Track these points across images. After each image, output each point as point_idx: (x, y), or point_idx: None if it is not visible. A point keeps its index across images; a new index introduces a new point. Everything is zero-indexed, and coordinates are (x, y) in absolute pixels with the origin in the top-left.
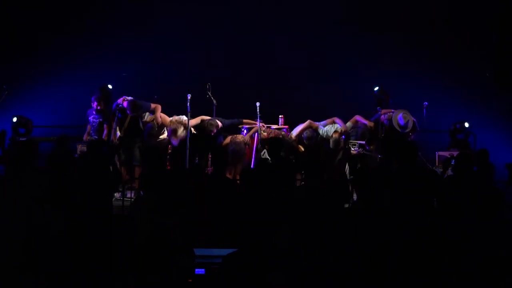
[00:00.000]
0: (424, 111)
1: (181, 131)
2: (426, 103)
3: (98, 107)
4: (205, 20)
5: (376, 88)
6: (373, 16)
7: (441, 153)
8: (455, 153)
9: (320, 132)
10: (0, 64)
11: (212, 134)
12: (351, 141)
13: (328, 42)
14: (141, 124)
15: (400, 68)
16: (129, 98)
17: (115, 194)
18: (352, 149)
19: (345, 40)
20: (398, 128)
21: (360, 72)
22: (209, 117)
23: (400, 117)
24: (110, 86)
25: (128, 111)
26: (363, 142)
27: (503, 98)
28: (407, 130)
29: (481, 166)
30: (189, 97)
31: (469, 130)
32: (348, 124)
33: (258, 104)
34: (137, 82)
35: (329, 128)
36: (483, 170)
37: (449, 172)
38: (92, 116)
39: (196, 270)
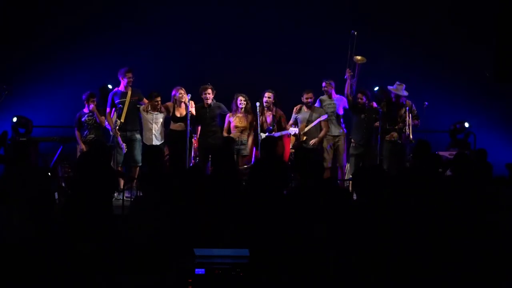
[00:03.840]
0: (424, 111)
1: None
2: (426, 103)
3: (91, 105)
4: (204, 20)
5: (376, 88)
6: (373, 16)
7: (441, 153)
8: (455, 153)
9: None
10: (0, 64)
11: (206, 100)
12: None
13: (328, 42)
14: (136, 110)
15: (400, 68)
16: None
17: (114, 194)
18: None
19: (345, 40)
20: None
21: (360, 71)
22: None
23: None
24: (110, 86)
25: (124, 84)
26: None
27: (503, 98)
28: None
29: (479, 166)
30: (189, 97)
31: (469, 130)
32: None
33: (258, 104)
34: (137, 83)
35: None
36: (481, 170)
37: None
38: (85, 117)
39: (196, 270)
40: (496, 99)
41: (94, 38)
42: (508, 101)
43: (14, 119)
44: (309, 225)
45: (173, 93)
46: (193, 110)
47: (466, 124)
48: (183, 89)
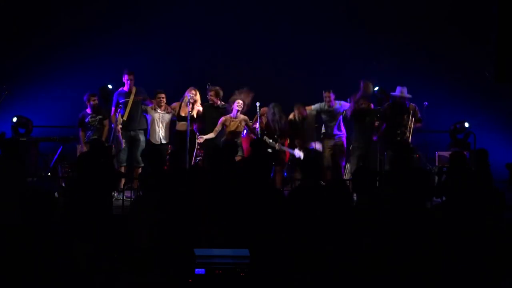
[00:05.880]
0: (424, 111)
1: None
2: (426, 103)
3: (91, 103)
4: (204, 20)
5: (376, 88)
6: (373, 16)
7: (441, 153)
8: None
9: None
10: (0, 64)
11: (215, 104)
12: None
13: (328, 43)
14: (141, 110)
15: (400, 68)
16: None
17: (114, 194)
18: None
19: (345, 41)
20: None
21: (360, 72)
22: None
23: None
24: (110, 86)
25: (127, 85)
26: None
27: (503, 98)
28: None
29: (480, 166)
30: (189, 97)
31: (469, 130)
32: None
33: (258, 104)
34: (137, 83)
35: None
36: (482, 170)
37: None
38: (88, 118)
39: (196, 270)
40: (496, 99)
41: (94, 38)
42: (508, 101)
43: (14, 119)
44: (309, 225)
45: (186, 94)
46: (200, 109)
47: (466, 124)
48: (196, 90)
